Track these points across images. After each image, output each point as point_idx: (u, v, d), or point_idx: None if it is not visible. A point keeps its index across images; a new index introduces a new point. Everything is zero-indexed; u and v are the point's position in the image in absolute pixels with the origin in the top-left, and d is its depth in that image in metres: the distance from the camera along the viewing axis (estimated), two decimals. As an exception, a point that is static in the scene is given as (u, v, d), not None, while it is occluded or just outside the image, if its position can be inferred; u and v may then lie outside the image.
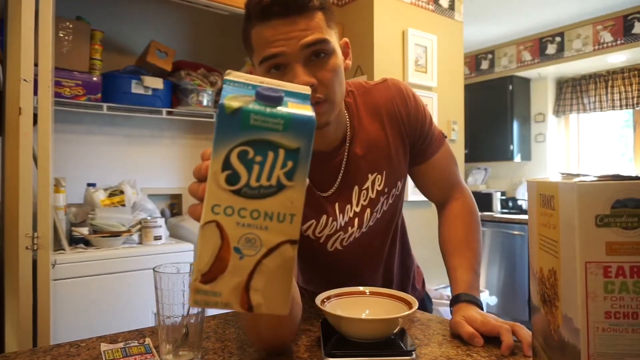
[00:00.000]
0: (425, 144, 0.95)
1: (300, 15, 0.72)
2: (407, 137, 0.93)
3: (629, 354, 0.45)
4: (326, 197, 0.88)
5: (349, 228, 0.90)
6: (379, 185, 0.89)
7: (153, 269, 0.66)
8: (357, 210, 0.89)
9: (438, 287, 2.84)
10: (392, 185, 0.92)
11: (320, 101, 0.76)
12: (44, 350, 0.74)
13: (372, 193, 0.89)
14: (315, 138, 0.65)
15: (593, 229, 0.45)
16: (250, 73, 0.81)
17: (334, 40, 0.78)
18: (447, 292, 2.93)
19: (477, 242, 0.95)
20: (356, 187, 0.88)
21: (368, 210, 0.90)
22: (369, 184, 0.88)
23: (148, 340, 0.76)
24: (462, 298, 0.84)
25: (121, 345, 0.74)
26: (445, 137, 1.00)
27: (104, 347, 0.74)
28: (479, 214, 1.02)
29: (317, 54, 0.75)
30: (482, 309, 0.82)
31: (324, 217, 0.88)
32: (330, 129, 0.84)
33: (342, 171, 0.88)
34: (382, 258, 1.00)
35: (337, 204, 0.88)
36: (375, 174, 0.89)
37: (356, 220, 0.90)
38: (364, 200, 0.89)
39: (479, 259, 0.93)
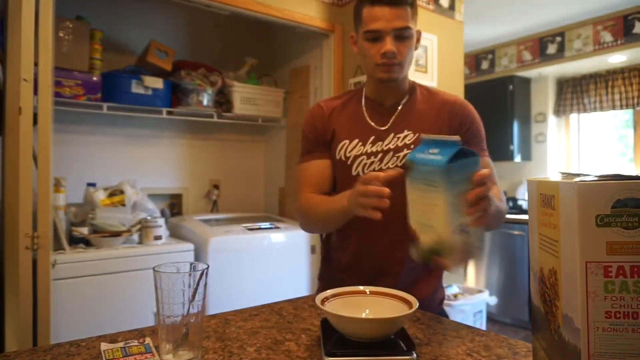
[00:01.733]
0: (471, 135, 1.13)
1: (398, 6, 1.06)
2: (453, 124, 1.13)
3: (629, 354, 0.45)
4: (370, 130, 1.17)
5: (372, 157, 1.14)
6: (408, 140, 1.13)
7: (153, 268, 0.66)
8: (385, 149, 1.14)
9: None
10: None
11: (396, 64, 1.09)
12: (44, 349, 0.74)
13: (400, 142, 1.13)
14: (383, 91, 1.18)
15: (593, 228, 0.45)
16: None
17: (414, 28, 1.11)
18: (449, 291, 2.94)
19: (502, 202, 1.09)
20: (392, 134, 1.15)
21: (391, 153, 1.13)
22: (402, 135, 1.14)
23: (148, 340, 0.76)
24: None
25: (121, 344, 0.74)
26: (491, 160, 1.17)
27: (103, 346, 0.74)
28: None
29: (402, 35, 1.07)
30: None
31: (356, 140, 1.16)
32: (393, 89, 1.16)
33: (389, 123, 1.16)
34: (398, 218, 1.07)
35: (372, 137, 1.16)
36: (410, 132, 1.13)
37: (380, 154, 1.14)
38: (392, 145, 1.14)
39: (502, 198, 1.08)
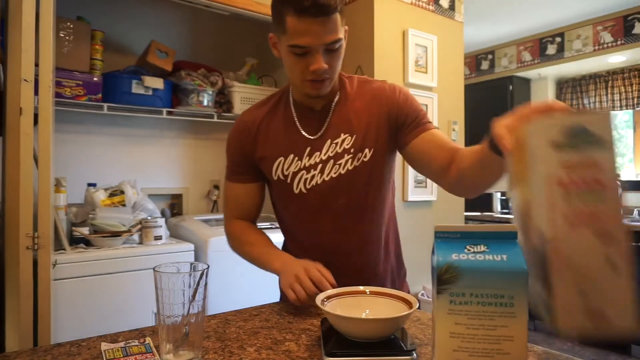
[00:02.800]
0: (419, 121, 1.06)
1: (327, 17, 0.92)
2: (395, 117, 1.06)
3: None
4: (304, 142, 1.09)
5: (312, 170, 1.07)
6: (347, 144, 1.06)
7: (153, 268, 0.66)
8: (324, 158, 1.07)
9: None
10: (359, 149, 1.06)
11: (327, 79, 1.00)
12: (44, 349, 0.75)
13: (339, 148, 1.06)
14: (313, 101, 1.07)
15: (550, 152, 0.51)
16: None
17: (344, 34, 0.99)
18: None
19: None
20: (329, 141, 1.07)
21: (332, 161, 1.06)
22: (339, 140, 1.07)
23: (148, 340, 0.77)
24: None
25: (121, 344, 0.75)
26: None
27: (104, 346, 0.74)
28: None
29: (333, 48, 0.96)
30: None
31: (291, 156, 1.08)
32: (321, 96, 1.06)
33: (323, 128, 1.08)
34: (351, 224, 1.09)
35: (308, 149, 1.08)
36: (347, 135, 1.06)
37: (320, 165, 1.07)
38: (331, 152, 1.07)
39: None
